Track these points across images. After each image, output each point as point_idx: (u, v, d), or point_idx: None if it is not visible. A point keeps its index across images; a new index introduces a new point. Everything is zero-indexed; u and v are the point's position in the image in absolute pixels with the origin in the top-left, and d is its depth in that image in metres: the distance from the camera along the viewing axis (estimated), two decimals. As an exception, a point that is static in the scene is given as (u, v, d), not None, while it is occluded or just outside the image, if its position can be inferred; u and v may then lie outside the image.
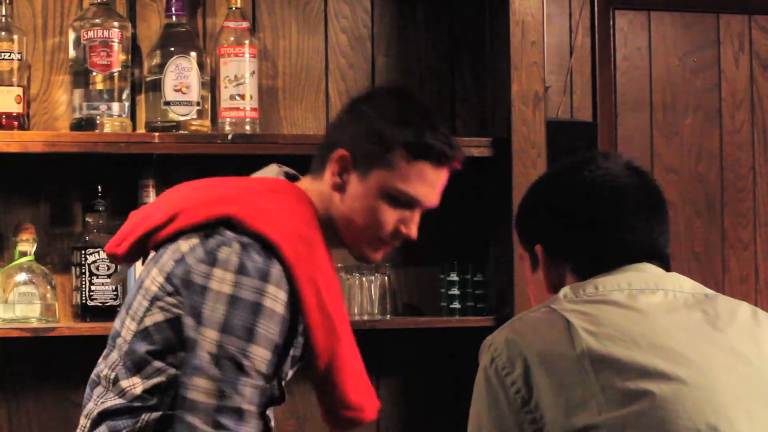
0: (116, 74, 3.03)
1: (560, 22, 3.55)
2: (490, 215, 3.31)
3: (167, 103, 3.05)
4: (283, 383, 2.18)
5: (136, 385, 2.06)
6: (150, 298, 2.06)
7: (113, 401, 2.07)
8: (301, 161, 3.23)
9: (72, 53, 3.05)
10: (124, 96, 3.05)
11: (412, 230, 2.21)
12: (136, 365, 2.07)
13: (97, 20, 3.03)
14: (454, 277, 3.28)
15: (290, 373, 2.24)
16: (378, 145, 2.15)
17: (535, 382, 1.67)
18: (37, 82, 3.13)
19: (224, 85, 3.11)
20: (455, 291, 3.28)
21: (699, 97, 3.71)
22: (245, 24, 3.15)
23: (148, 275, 2.10)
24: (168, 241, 2.10)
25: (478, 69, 3.41)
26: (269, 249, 2.03)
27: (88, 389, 2.15)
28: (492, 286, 3.30)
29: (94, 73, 3.02)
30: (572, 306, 1.73)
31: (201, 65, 3.09)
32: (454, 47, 3.42)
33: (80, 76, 3.03)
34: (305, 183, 2.21)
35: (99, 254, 2.99)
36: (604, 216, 1.81)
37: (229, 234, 2.04)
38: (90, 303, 3.01)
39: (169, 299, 2.05)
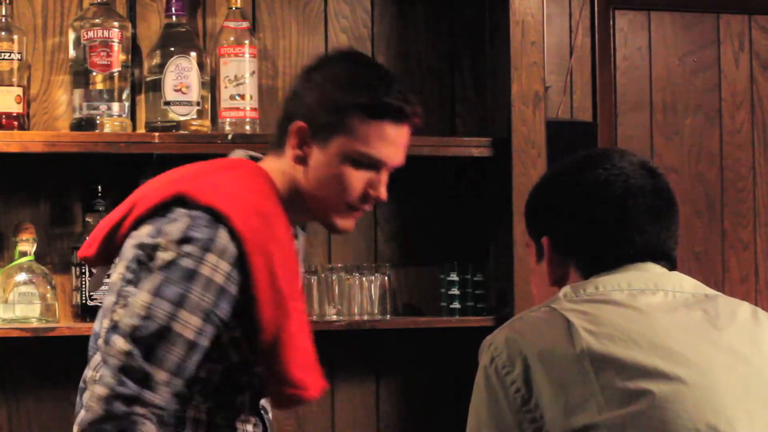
0: (116, 74, 3.03)
1: (560, 22, 3.55)
2: (490, 215, 3.31)
3: (167, 103, 3.05)
4: (257, 370, 2.13)
5: None
6: (116, 291, 2.04)
7: None
8: (301, 161, 3.25)
9: (72, 53, 3.05)
10: (124, 96, 3.05)
11: (381, 192, 2.16)
12: None
13: (97, 20, 3.03)
14: (454, 277, 3.28)
15: None
16: (334, 112, 2.11)
17: (534, 381, 1.67)
18: (37, 82, 3.13)
19: (224, 85, 3.11)
20: (455, 291, 3.28)
21: (699, 97, 3.71)
22: (245, 24, 3.15)
23: (114, 270, 2.09)
24: (129, 232, 2.09)
25: (478, 69, 3.41)
26: (219, 220, 2.00)
27: (78, 398, 2.13)
28: (492, 286, 3.30)
29: (94, 73, 3.02)
30: (572, 305, 1.73)
31: (201, 65, 3.09)
32: (454, 47, 3.42)
33: (80, 76, 3.03)
34: (267, 162, 2.18)
35: (99, 254, 2.98)
36: (615, 216, 1.80)
37: (181, 210, 2.02)
38: (90, 303, 3.01)
39: (130, 287, 2.03)
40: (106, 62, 3.02)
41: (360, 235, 3.34)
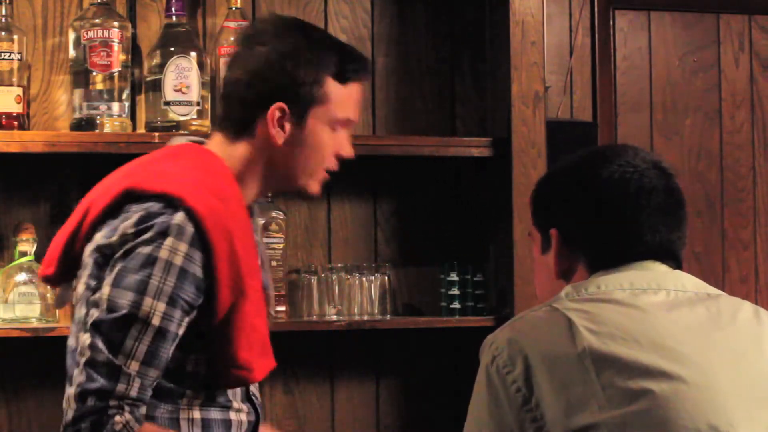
0: (116, 74, 3.03)
1: (560, 22, 3.55)
2: (490, 215, 3.31)
3: (167, 103, 3.05)
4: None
5: None
6: (85, 302, 2.02)
7: None
8: (301, 161, 3.25)
9: (72, 53, 3.05)
10: (124, 96, 3.05)
11: (350, 150, 2.20)
12: None
13: (97, 20, 3.03)
14: (454, 277, 3.28)
15: None
16: (308, 86, 2.12)
17: (535, 380, 1.67)
18: (37, 82, 3.13)
19: (224, 85, 3.11)
20: (455, 291, 3.28)
21: (699, 97, 3.71)
22: (245, 24, 3.15)
23: (80, 281, 2.06)
24: (87, 241, 2.06)
25: (478, 69, 3.41)
26: (173, 204, 1.98)
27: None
28: (492, 286, 3.30)
29: (94, 73, 3.02)
30: (574, 305, 1.73)
31: (201, 65, 3.09)
32: (454, 47, 3.42)
33: (80, 76, 3.03)
34: (214, 144, 2.15)
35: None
36: (630, 213, 1.80)
37: (133, 206, 2.00)
38: (90, 303, 3.00)
39: (96, 294, 2.00)
40: (106, 62, 3.02)
41: (360, 235, 3.34)
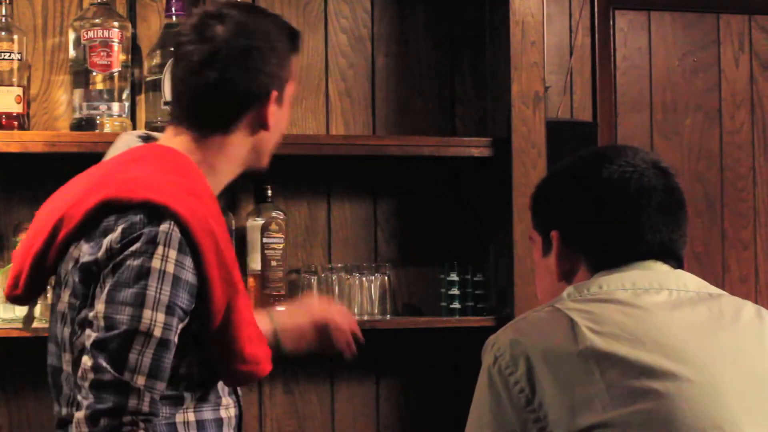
0: (116, 74, 3.03)
1: (560, 22, 3.55)
2: (490, 215, 3.31)
3: (167, 103, 3.05)
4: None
5: None
6: (70, 322, 1.98)
7: None
8: (300, 161, 3.25)
9: (72, 53, 3.05)
10: (124, 96, 3.05)
11: None
12: None
13: (97, 20, 3.03)
14: (454, 277, 3.28)
15: None
16: (284, 68, 2.13)
17: (538, 381, 1.66)
18: (37, 82, 3.13)
19: (224, 85, 3.11)
20: (455, 291, 3.28)
21: (699, 97, 3.71)
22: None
23: (59, 300, 2.02)
24: (61, 256, 2.01)
25: (478, 69, 3.41)
26: (157, 212, 1.93)
27: None
28: (492, 286, 3.30)
29: (94, 73, 3.02)
30: (576, 305, 1.73)
31: (201, 65, 3.08)
32: (454, 47, 3.42)
33: (80, 76, 3.03)
34: (181, 143, 2.09)
35: (99, 254, 2.98)
36: (630, 214, 1.80)
37: (112, 217, 1.94)
38: (90, 303, 3.00)
39: (83, 312, 1.96)
40: (106, 62, 3.02)
41: (360, 235, 3.34)
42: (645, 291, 1.76)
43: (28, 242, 2.07)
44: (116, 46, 3.03)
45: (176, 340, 1.94)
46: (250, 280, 3.17)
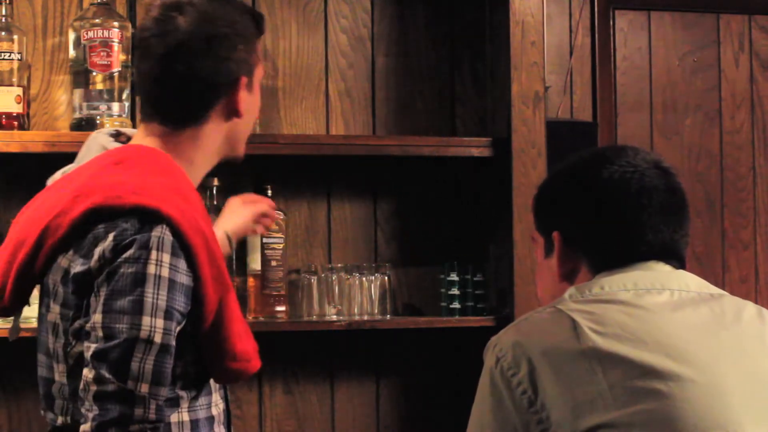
0: (116, 74, 3.03)
1: (560, 22, 3.56)
2: (490, 215, 3.31)
3: (167, 103, 3.05)
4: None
5: None
6: (63, 333, 1.96)
7: None
8: (300, 161, 3.25)
9: (72, 53, 3.05)
10: (124, 96, 3.05)
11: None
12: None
13: (97, 20, 3.03)
14: (454, 277, 3.28)
15: None
16: (251, 52, 2.10)
17: (540, 382, 1.66)
18: (37, 82, 3.13)
19: (224, 85, 3.11)
20: (455, 291, 3.28)
21: (699, 97, 3.72)
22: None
23: (49, 311, 1.99)
24: (47, 266, 1.98)
25: (478, 69, 3.41)
26: (147, 216, 1.89)
27: None
28: (492, 286, 3.30)
29: (94, 73, 3.02)
30: (578, 306, 1.73)
31: (201, 65, 3.08)
32: (454, 47, 3.42)
33: (80, 76, 3.03)
34: (155, 141, 2.06)
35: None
36: (631, 214, 1.80)
37: (104, 226, 1.90)
38: (90, 303, 3.00)
39: (77, 323, 1.93)
40: (106, 62, 3.02)
41: (360, 235, 3.34)
42: (647, 291, 1.76)
43: (8, 253, 2.03)
44: (116, 46, 3.03)
45: (174, 343, 1.91)
46: (250, 280, 3.17)
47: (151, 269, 1.87)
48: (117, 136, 2.18)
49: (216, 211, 2.77)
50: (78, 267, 1.91)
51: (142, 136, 2.09)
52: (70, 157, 3.03)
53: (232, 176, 3.05)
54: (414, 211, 3.37)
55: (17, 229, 2.04)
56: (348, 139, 3.21)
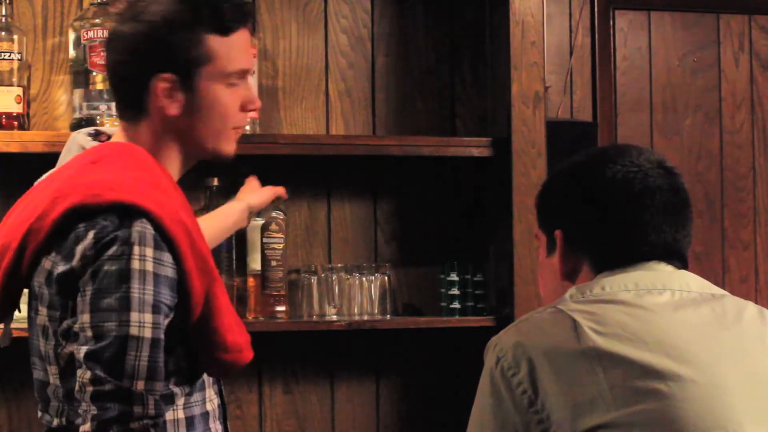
0: (116, 74, 3.03)
1: (560, 22, 3.56)
2: (490, 215, 3.31)
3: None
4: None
5: None
6: (52, 335, 1.95)
7: None
8: (301, 161, 3.25)
9: (72, 53, 3.05)
10: (124, 96, 3.05)
11: (257, 100, 2.12)
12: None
13: (97, 20, 3.03)
14: (454, 277, 3.28)
15: None
16: (189, 50, 2.01)
17: (541, 382, 1.66)
18: (37, 82, 3.13)
19: (224, 85, 3.10)
20: (455, 291, 3.28)
21: (699, 97, 3.72)
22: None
23: (38, 314, 1.98)
24: (33, 269, 1.97)
25: (478, 69, 3.41)
26: (126, 211, 1.88)
27: None
28: (492, 286, 3.30)
29: (94, 73, 3.02)
30: (579, 306, 1.73)
31: (201, 65, 3.08)
32: (454, 47, 3.42)
33: (80, 76, 3.03)
34: (126, 137, 2.05)
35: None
36: (634, 214, 1.80)
37: (84, 225, 1.89)
38: (90, 303, 3.00)
39: (65, 323, 1.93)
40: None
41: (360, 235, 3.34)
42: (648, 292, 1.76)
43: None
44: (116, 46, 3.02)
45: (164, 338, 1.91)
46: (250, 280, 3.17)
47: (135, 264, 1.86)
48: (96, 135, 2.18)
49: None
50: (61, 267, 1.91)
51: (118, 134, 2.09)
52: (70, 157, 3.04)
53: (232, 176, 3.05)
54: (414, 211, 3.37)
55: (2, 233, 2.03)
56: (348, 139, 3.21)
